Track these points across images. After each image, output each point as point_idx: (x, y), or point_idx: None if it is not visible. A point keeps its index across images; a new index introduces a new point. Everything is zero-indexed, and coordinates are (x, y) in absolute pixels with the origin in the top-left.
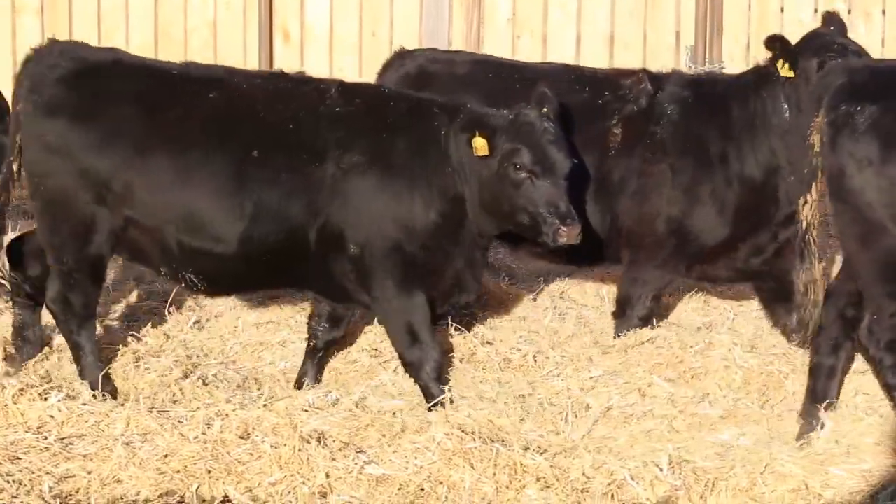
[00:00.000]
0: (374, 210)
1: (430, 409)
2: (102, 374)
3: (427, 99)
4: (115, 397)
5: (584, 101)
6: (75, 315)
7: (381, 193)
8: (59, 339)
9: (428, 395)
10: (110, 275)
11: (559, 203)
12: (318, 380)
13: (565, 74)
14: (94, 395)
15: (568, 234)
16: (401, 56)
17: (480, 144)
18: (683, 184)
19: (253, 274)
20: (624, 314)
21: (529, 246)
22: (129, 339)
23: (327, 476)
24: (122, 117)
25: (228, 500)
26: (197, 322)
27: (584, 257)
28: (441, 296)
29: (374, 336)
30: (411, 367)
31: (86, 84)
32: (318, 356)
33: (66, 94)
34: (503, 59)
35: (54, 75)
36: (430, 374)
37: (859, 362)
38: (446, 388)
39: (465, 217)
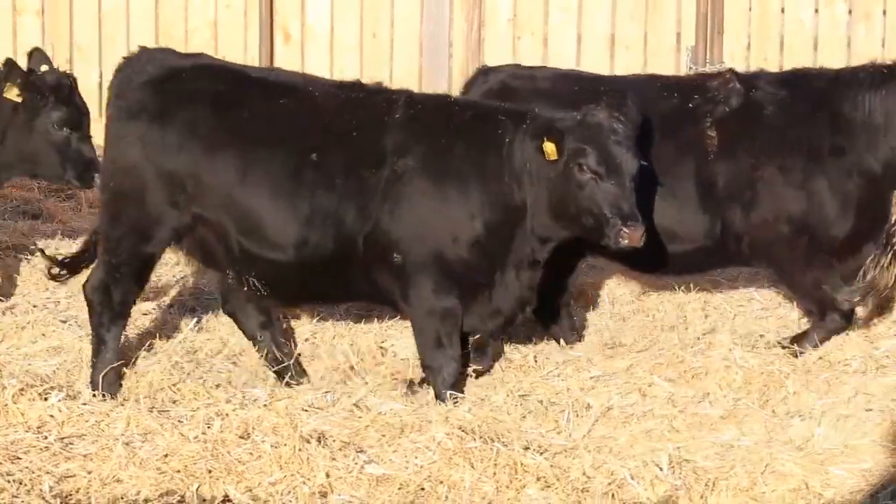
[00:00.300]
0: (418, 214)
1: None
2: (112, 375)
3: (493, 106)
4: (114, 398)
5: (673, 107)
6: (111, 309)
7: (427, 198)
8: (63, 340)
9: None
10: None
11: (623, 204)
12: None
13: (649, 83)
14: (93, 394)
15: (630, 237)
16: (483, 72)
17: (550, 149)
18: (801, 182)
19: (310, 281)
20: (824, 318)
21: (625, 261)
22: (131, 338)
23: (327, 476)
24: (195, 117)
25: (229, 500)
26: (198, 322)
27: (688, 266)
28: (493, 307)
29: (374, 336)
30: (429, 371)
31: (167, 88)
32: None
33: (148, 97)
34: (585, 73)
35: (139, 80)
36: (446, 380)
37: (858, 362)
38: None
39: (520, 227)
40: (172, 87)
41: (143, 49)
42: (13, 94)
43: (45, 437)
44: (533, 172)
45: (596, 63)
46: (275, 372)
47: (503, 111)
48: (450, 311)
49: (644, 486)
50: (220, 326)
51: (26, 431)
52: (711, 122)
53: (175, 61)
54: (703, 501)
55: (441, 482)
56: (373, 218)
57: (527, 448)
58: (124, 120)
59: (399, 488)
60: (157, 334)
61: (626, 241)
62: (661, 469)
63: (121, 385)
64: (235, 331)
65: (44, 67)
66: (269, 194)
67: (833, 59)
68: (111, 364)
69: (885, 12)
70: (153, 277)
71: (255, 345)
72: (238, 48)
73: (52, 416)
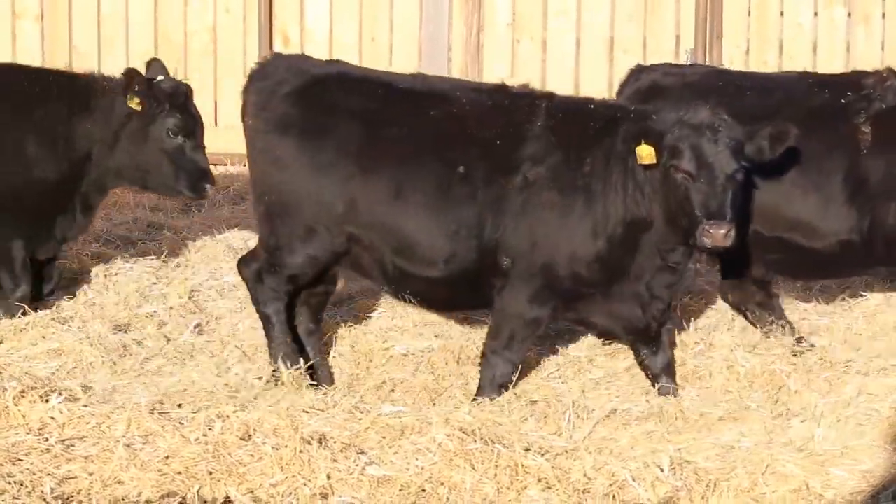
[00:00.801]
0: (539, 224)
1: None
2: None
3: (625, 112)
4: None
5: (825, 103)
6: (264, 290)
7: (551, 210)
8: (63, 342)
9: (479, 392)
10: (111, 279)
11: (711, 203)
12: None
13: (801, 80)
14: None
15: (713, 236)
16: (637, 71)
17: (646, 153)
18: None
19: (458, 293)
20: None
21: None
22: (130, 342)
23: (328, 477)
24: (346, 134)
25: (230, 502)
26: (198, 325)
27: (828, 266)
28: (621, 316)
29: (374, 337)
30: (486, 363)
31: (314, 101)
32: None
33: (295, 111)
34: (736, 71)
35: (282, 91)
36: (496, 380)
37: (860, 363)
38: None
39: (645, 238)
40: (319, 101)
41: (278, 55)
42: (135, 102)
43: (46, 439)
44: (650, 179)
45: (594, 67)
46: (310, 376)
47: (633, 116)
48: (536, 320)
49: (645, 488)
50: (220, 329)
51: (27, 433)
52: (866, 119)
53: (316, 69)
54: (705, 502)
55: (442, 484)
56: (502, 225)
57: (528, 449)
58: (272, 133)
59: (400, 490)
60: (158, 336)
61: (710, 241)
62: (662, 470)
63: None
64: (235, 334)
65: (159, 77)
66: (420, 211)
67: (832, 62)
68: (283, 342)
69: (884, 15)
70: (155, 280)
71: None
72: (237, 52)
73: (52, 417)
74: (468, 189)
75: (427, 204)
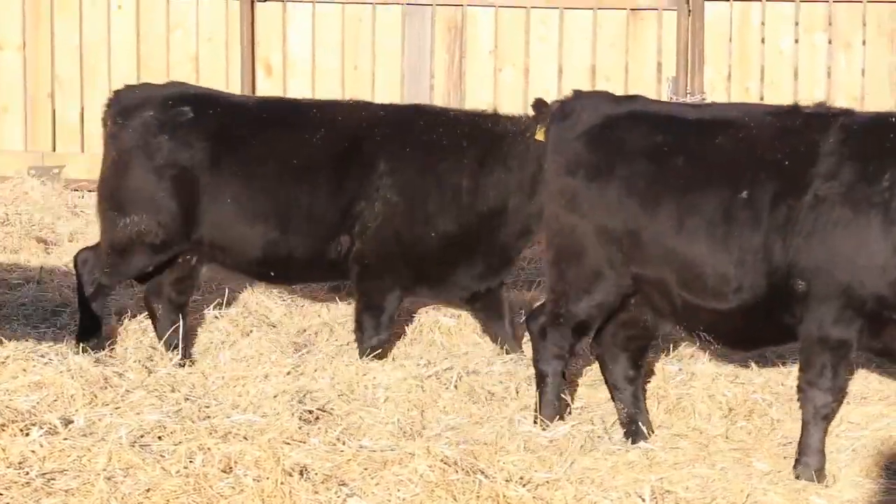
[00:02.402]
0: (835, 243)
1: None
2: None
3: None
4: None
5: None
6: (546, 347)
7: (847, 227)
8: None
9: (804, 429)
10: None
11: None
12: None
13: None
14: (541, 425)
15: None
16: None
17: None
18: None
19: (751, 325)
20: None
21: None
22: (111, 374)
23: None
24: (633, 171)
25: None
26: (180, 357)
27: None
28: None
29: (354, 370)
30: (804, 398)
31: (602, 139)
32: None
33: (584, 150)
34: None
35: (577, 131)
36: (819, 412)
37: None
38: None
39: None
40: (607, 139)
41: (578, 92)
42: (542, 134)
43: (27, 473)
44: None
45: None
46: (625, 426)
47: None
48: (842, 343)
49: None
50: (202, 361)
51: (7, 467)
52: None
53: (611, 108)
54: None
55: None
56: (792, 246)
57: (509, 480)
58: (562, 176)
59: None
60: (139, 369)
61: None
62: (643, 500)
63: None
64: (217, 365)
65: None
66: (705, 241)
67: (813, 88)
68: (555, 397)
69: (864, 42)
70: (136, 311)
71: (613, 393)
72: (220, 81)
73: (33, 451)
74: (752, 213)
75: (710, 232)
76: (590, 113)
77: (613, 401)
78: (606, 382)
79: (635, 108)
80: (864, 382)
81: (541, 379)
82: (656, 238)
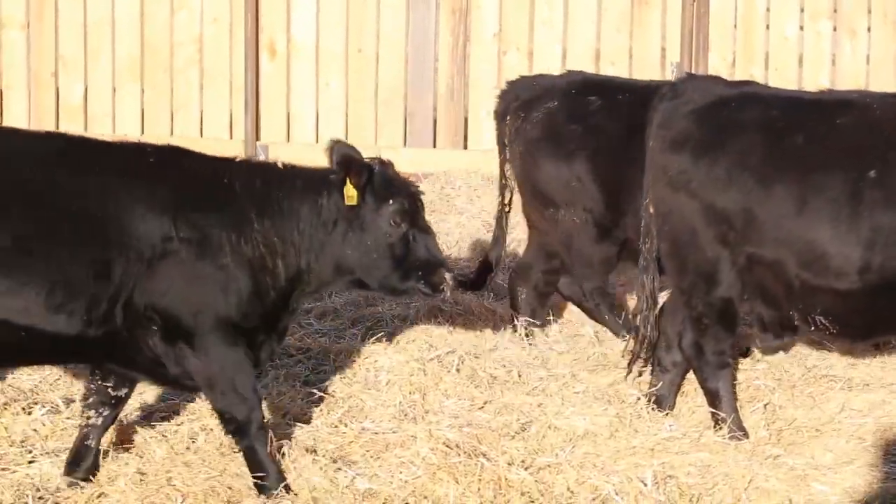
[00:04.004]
0: None
1: None
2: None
3: None
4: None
5: None
6: (707, 362)
7: None
8: None
9: None
10: None
11: None
12: None
13: None
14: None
15: None
16: None
17: None
18: None
19: (878, 310)
20: None
21: None
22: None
23: (314, 490)
24: (746, 147)
25: None
26: None
27: None
28: None
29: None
30: None
31: (712, 117)
32: None
33: (693, 126)
34: None
35: (685, 109)
36: None
37: (844, 379)
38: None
39: None
40: (718, 117)
41: (691, 75)
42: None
43: (30, 451)
44: None
45: None
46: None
47: None
48: None
49: (628, 502)
50: None
51: (10, 445)
52: None
53: (723, 90)
54: None
55: (425, 497)
56: None
57: (511, 464)
58: (667, 153)
59: (384, 503)
60: None
61: None
62: (645, 485)
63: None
64: None
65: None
66: (828, 220)
67: (818, 75)
68: (734, 411)
69: (869, 29)
70: None
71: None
72: (224, 63)
73: (35, 430)
74: (883, 194)
75: (836, 212)
76: (702, 93)
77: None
78: (653, 363)
79: (748, 90)
80: (866, 370)
81: (713, 396)
82: (774, 215)
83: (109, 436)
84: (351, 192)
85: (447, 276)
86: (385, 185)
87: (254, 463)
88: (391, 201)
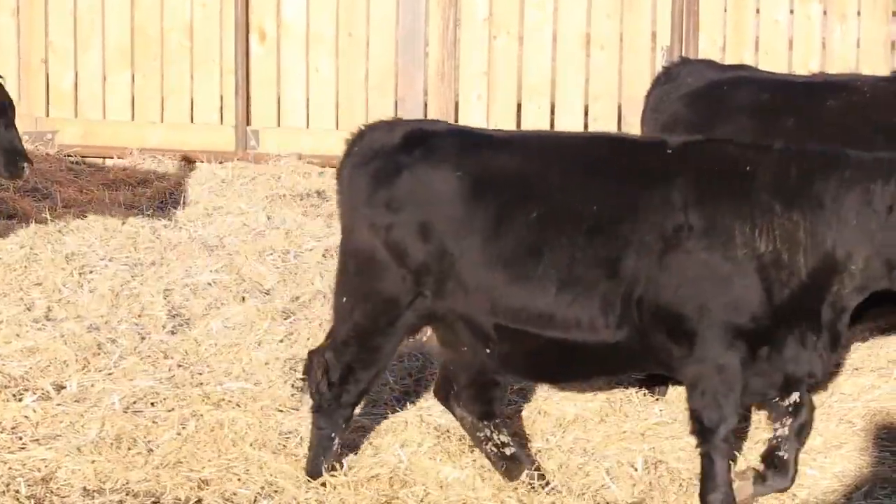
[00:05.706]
0: None
1: None
2: None
3: None
4: None
5: None
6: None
7: None
8: (37, 341)
9: None
10: (86, 277)
11: None
12: None
13: None
14: None
15: None
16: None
17: None
18: None
19: None
20: None
21: None
22: (104, 341)
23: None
24: (736, 128)
25: (201, 502)
26: (172, 324)
27: None
28: None
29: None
30: None
31: (703, 99)
32: None
33: (685, 109)
34: None
35: (677, 93)
36: None
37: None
38: None
39: None
40: (709, 99)
41: (685, 60)
42: None
43: (20, 438)
44: None
45: (571, 62)
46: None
47: None
48: None
49: (619, 487)
50: (194, 329)
51: (1, 432)
52: None
53: (715, 73)
54: (678, 502)
55: (418, 482)
56: None
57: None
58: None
59: (376, 487)
60: (131, 335)
61: None
62: (635, 470)
63: None
64: (209, 333)
65: None
66: None
67: (808, 59)
68: None
69: (859, 13)
70: (125, 289)
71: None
72: (214, 47)
73: (26, 416)
74: None
75: None
76: (696, 77)
77: None
78: None
79: (741, 74)
80: (856, 353)
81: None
82: None
83: (99, 422)
84: None
85: None
86: None
87: (704, 471)
88: None
